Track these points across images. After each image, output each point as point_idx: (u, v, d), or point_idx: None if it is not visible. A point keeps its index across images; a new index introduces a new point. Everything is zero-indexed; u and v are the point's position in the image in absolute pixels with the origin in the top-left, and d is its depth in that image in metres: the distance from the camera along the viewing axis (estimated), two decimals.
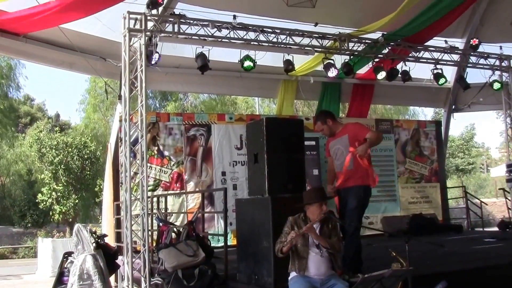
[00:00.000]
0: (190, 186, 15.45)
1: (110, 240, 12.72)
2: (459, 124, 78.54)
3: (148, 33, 11.52)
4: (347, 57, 15.00)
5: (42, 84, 79.89)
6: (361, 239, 9.15)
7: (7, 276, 21.18)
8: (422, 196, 18.83)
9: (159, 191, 14.88)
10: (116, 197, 14.42)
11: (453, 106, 20.62)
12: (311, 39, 14.02)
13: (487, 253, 11.13)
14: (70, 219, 32.49)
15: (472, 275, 8.57)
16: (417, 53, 15.62)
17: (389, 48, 15.39)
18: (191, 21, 12.34)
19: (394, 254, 7.13)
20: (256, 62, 13.55)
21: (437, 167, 19.46)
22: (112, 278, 10.05)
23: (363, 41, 14.92)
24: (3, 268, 24.36)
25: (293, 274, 7.12)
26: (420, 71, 17.03)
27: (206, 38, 12.60)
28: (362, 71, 17.84)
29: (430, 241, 8.69)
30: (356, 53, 14.89)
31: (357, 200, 8.38)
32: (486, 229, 20.71)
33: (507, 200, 19.49)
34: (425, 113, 44.20)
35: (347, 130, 8.85)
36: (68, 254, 9.97)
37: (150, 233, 10.78)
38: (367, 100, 19.48)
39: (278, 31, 13.48)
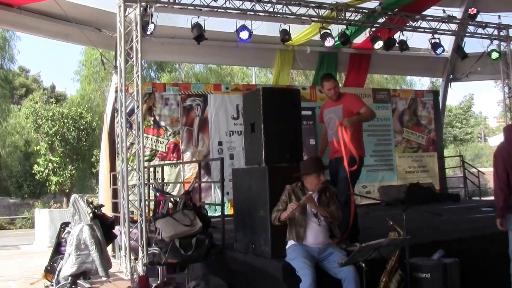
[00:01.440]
0: (187, 156, 15.46)
1: (107, 211, 12.73)
2: (457, 93, 78.55)
3: (143, 3, 11.42)
4: (344, 27, 14.93)
5: (37, 56, 79.59)
6: (358, 208, 9.17)
7: (5, 247, 21.21)
8: (419, 166, 18.88)
9: (156, 161, 14.89)
10: (112, 167, 14.41)
11: (451, 76, 20.57)
12: (308, 8, 13.94)
13: (484, 222, 11.13)
14: (67, 190, 32.53)
15: (469, 244, 8.59)
16: (415, 23, 15.56)
17: (386, 17, 15.30)
18: None
19: (391, 223, 7.16)
20: (252, 32, 13.48)
21: (435, 137, 19.50)
22: (109, 248, 10.07)
23: (360, 10, 14.84)
24: (1, 239, 24.40)
25: (291, 242, 7.14)
26: (418, 41, 16.96)
27: (201, 8, 12.51)
28: (359, 40, 17.75)
29: (427, 210, 8.70)
30: (353, 22, 14.81)
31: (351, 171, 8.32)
32: (483, 198, 20.74)
33: None
34: (422, 83, 44.23)
35: (343, 100, 8.81)
36: (65, 225, 9.99)
37: (147, 203, 10.78)
38: (364, 70, 19.43)
39: (275, 0, 13.39)
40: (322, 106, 9.30)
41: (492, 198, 19.94)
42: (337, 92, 8.84)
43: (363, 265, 6.54)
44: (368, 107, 8.74)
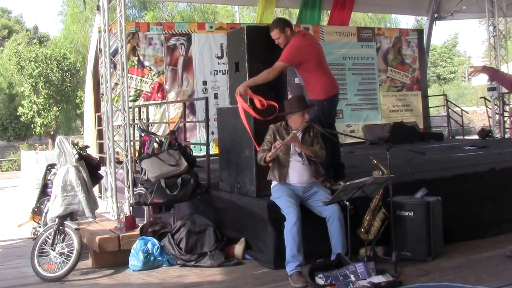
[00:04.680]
0: (171, 96, 15.43)
1: (93, 151, 12.74)
2: (441, 33, 78.39)
3: None
4: None
5: None
6: (342, 147, 9.19)
7: None
8: (403, 104, 18.92)
9: (140, 102, 14.86)
10: (97, 108, 14.38)
11: (436, 14, 20.50)
12: None
13: (467, 160, 11.23)
14: (52, 132, 32.51)
15: (452, 183, 8.67)
16: None
17: None
18: None
19: (376, 162, 7.21)
20: None
21: (419, 76, 19.48)
22: (95, 189, 10.08)
23: None
24: None
25: (275, 182, 7.18)
26: None
27: None
28: None
29: (411, 149, 8.76)
30: None
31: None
32: (466, 137, 20.95)
33: (487, 108, 19.65)
34: (407, 22, 44.20)
35: None
36: (51, 166, 9.99)
37: (132, 143, 10.78)
38: (349, 8, 19.25)
39: None
40: None
41: (475, 137, 20.19)
42: (285, 40, 8.14)
43: (347, 203, 6.61)
44: (280, 64, 8.21)
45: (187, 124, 13.83)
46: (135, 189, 9.10)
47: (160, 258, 7.91)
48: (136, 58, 15.10)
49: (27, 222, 10.31)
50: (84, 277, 7.67)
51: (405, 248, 7.23)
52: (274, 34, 8.18)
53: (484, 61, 50.50)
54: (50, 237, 7.71)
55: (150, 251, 7.86)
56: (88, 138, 15.35)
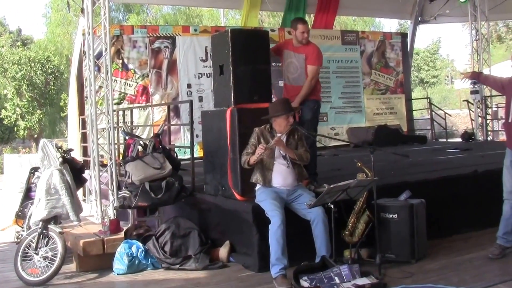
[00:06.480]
0: (156, 99, 15.40)
1: (77, 155, 12.68)
2: (424, 37, 78.67)
3: None
4: None
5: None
6: (327, 149, 9.25)
7: None
8: (387, 108, 18.99)
9: (125, 105, 14.81)
10: (81, 111, 14.30)
11: (419, 18, 20.60)
12: None
13: (450, 163, 11.29)
14: (36, 135, 32.37)
15: (435, 185, 8.72)
16: None
17: None
18: None
19: (360, 164, 7.23)
20: None
21: (403, 79, 19.56)
22: (79, 192, 10.04)
23: None
24: None
25: (259, 185, 7.19)
26: None
27: None
28: None
29: (394, 152, 8.79)
30: None
31: (312, 112, 8.42)
32: (449, 140, 21.03)
33: (470, 111, 19.76)
34: (390, 26, 44.39)
35: (307, 50, 8.71)
36: (34, 170, 9.93)
37: (116, 146, 10.74)
38: (333, 11, 19.27)
39: None
40: (284, 43, 9.17)
41: (458, 140, 20.30)
42: (307, 37, 8.77)
43: (332, 206, 6.64)
44: (317, 70, 8.65)
45: (172, 127, 13.84)
46: (119, 192, 9.06)
47: (144, 262, 7.89)
48: (121, 61, 15.04)
49: (10, 226, 10.24)
50: (68, 281, 7.65)
51: (389, 250, 7.27)
52: (306, 27, 8.71)
53: (467, 65, 50.84)
54: (33, 241, 7.68)
55: (134, 255, 7.84)
56: (72, 141, 15.26)
